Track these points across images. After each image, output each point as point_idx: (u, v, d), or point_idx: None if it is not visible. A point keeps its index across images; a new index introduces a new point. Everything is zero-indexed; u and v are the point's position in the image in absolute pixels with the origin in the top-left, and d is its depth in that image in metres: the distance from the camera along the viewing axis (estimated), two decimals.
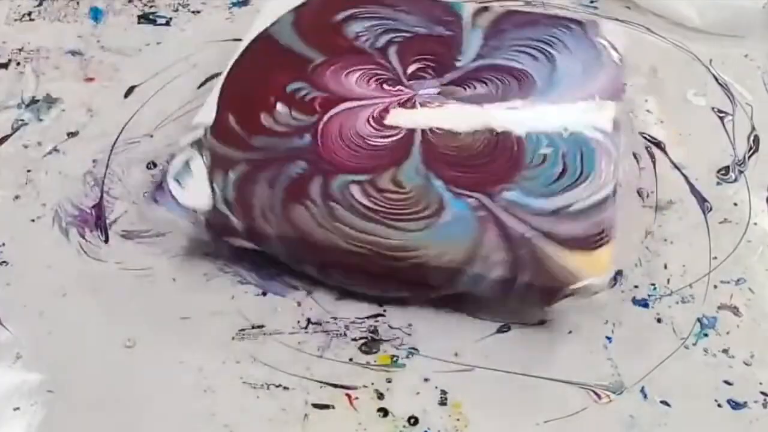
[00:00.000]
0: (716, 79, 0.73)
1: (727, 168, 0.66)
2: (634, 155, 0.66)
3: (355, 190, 0.53)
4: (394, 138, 0.57)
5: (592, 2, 0.81)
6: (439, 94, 0.60)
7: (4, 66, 0.72)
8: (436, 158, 0.55)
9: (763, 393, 0.52)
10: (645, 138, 0.67)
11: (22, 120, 0.67)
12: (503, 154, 0.56)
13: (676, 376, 0.52)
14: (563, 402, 0.51)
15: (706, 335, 0.55)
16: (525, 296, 0.51)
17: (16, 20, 0.77)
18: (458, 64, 0.62)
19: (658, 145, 0.67)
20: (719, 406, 0.51)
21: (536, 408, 0.50)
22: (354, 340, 0.53)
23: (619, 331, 0.54)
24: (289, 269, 0.56)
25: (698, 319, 0.55)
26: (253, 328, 0.54)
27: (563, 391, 0.51)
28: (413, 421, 0.50)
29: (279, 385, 0.51)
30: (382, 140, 0.56)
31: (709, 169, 0.65)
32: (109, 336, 0.53)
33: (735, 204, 0.63)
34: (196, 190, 0.54)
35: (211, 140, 0.57)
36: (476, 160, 0.55)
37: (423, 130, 0.57)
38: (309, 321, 0.54)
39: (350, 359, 0.53)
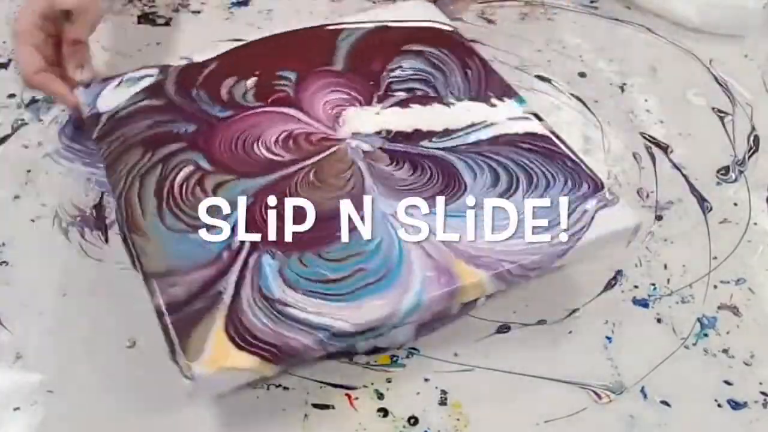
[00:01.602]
0: (716, 79, 0.73)
1: (727, 168, 0.66)
2: (634, 155, 0.66)
3: None
4: None
5: (592, 2, 0.81)
6: None
7: (4, 66, 0.72)
8: None
9: (763, 393, 0.52)
10: (645, 138, 0.67)
11: (22, 120, 0.67)
12: None
13: (676, 376, 0.52)
14: (563, 402, 0.51)
15: (706, 335, 0.55)
16: None
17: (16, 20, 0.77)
18: None
19: (659, 145, 0.67)
20: (719, 406, 0.51)
21: (536, 408, 0.50)
22: None
23: (619, 331, 0.54)
24: None
25: (698, 319, 0.55)
26: None
27: (563, 391, 0.51)
28: (413, 421, 0.50)
29: (279, 385, 0.51)
30: None
31: (709, 169, 0.65)
32: (109, 336, 0.53)
33: (735, 204, 0.63)
34: None
35: None
36: None
37: None
38: None
39: (350, 359, 0.53)
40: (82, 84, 0.62)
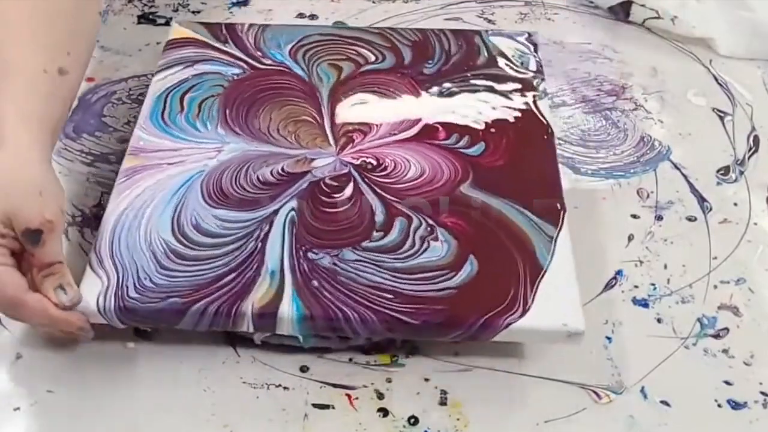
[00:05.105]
0: (716, 79, 0.73)
1: (727, 168, 0.66)
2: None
3: None
4: None
5: (591, 2, 0.81)
6: None
7: None
8: None
9: (763, 393, 0.52)
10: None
11: None
12: None
13: (676, 376, 0.52)
14: (563, 402, 0.51)
15: (706, 335, 0.55)
16: None
17: None
18: None
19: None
20: (719, 406, 0.51)
21: (536, 408, 0.50)
22: None
23: (619, 331, 0.54)
24: None
25: (698, 319, 0.55)
26: None
27: (563, 391, 0.51)
28: (413, 421, 0.50)
29: (279, 385, 0.51)
30: None
31: (709, 169, 0.65)
32: (109, 336, 0.53)
33: (735, 204, 0.63)
34: None
35: None
36: None
37: None
38: None
39: (350, 359, 0.53)
40: (67, 308, 0.49)
